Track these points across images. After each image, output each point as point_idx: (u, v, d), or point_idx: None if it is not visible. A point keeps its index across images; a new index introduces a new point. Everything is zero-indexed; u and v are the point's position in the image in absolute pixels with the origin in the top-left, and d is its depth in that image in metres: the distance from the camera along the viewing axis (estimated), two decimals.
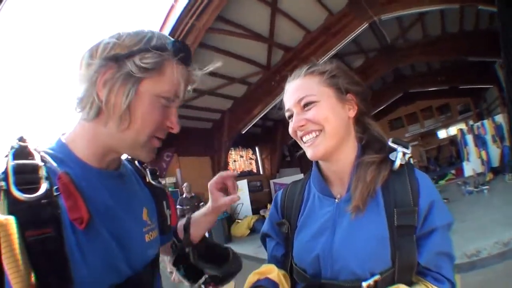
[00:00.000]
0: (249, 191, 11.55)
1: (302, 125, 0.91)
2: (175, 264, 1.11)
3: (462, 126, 13.26)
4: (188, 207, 7.34)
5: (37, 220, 0.61)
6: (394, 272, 0.81)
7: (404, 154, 0.89)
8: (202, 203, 7.01)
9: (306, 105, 0.92)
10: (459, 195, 8.28)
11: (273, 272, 0.96)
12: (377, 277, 0.80)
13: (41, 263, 0.59)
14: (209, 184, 1.11)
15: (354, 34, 9.19)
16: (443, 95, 17.09)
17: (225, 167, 12.37)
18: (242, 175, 13.62)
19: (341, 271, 0.86)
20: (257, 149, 15.33)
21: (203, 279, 1.10)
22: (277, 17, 8.52)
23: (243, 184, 11.42)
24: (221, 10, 7.22)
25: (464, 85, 15.26)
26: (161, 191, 1.03)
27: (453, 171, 12.52)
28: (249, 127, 11.93)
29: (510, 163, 8.54)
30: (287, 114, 0.99)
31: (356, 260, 0.84)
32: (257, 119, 11.71)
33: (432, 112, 18.94)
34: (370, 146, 0.97)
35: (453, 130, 17.15)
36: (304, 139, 0.93)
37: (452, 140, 16.33)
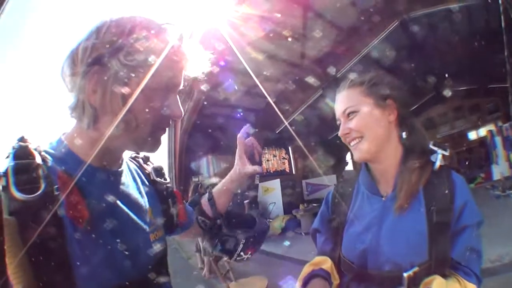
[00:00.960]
0: (281, 190, 11.46)
1: (347, 133, 1.06)
2: (211, 240, 1.14)
3: (492, 127, 12.42)
4: None
5: (37, 220, 0.60)
6: (430, 264, 0.90)
7: (443, 156, 0.98)
8: None
9: (349, 114, 1.06)
10: (486, 199, 7.92)
11: (327, 263, 1.08)
12: (416, 269, 0.89)
13: (42, 263, 0.59)
14: (238, 148, 1.14)
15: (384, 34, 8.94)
16: (473, 95, 15.97)
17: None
18: (275, 174, 13.61)
19: (385, 263, 0.96)
20: (290, 148, 15.24)
21: (240, 245, 1.12)
22: None
23: (276, 184, 11.37)
24: None
25: (495, 83, 14.13)
26: (167, 188, 1.03)
27: (482, 174, 11.77)
28: (283, 126, 11.88)
29: None
30: (338, 122, 1.11)
31: (399, 253, 0.94)
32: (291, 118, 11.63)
33: (463, 112, 17.83)
34: (414, 148, 1.06)
35: (483, 132, 16.07)
36: (350, 144, 1.07)
37: (482, 141, 15.29)
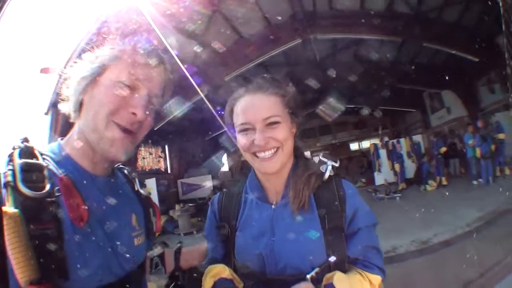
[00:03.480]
0: (157, 189, 10.97)
1: (266, 143, 1.00)
2: (169, 283, 1.26)
3: (376, 141, 15.34)
4: None
5: (40, 216, 0.66)
6: (330, 264, 0.99)
7: (332, 167, 1.09)
8: None
9: (270, 124, 1.01)
10: (369, 200, 9.45)
11: (225, 271, 1.08)
12: (317, 269, 0.95)
13: (41, 256, 0.64)
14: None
15: (285, 47, 9.62)
16: (359, 114, 18.63)
17: (135, 162, 11.63)
18: (150, 173, 13.03)
19: (286, 267, 1.00)
20: (166, 147, 14.72)
21: None
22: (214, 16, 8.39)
23: (151, 183, 10.83)
24: None
25: (389, 107, 17.26)
26: (147, 199, 1.11)
27: (363, 180, 14.11)
28: (162, 123, 11.37)
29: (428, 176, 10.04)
30: (241, 126, 1.04)
31: (298, 257, 0.99)
32: (171, 116, 11.25)
33: (346, 126, 20.86)
34: (300, 159, 1.14)
35: (366, 144, 19.20)
36: (260, 154, 1.02)
37: (363, 152, 18.47)
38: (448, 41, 9.87)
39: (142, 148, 13.10)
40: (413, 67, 12.52)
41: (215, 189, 13.19)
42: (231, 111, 1.09)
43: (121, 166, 1.12)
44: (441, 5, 9.32)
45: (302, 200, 1.01)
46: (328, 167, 1.07)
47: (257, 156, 1.03)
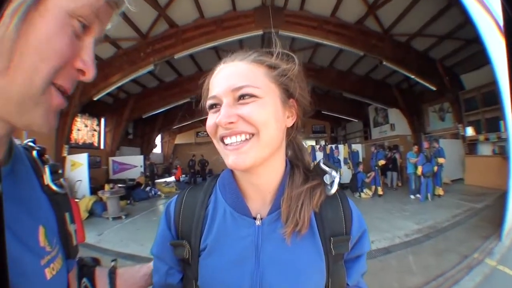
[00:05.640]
0: (89, 167, 10.01)
1: (232, 122, 0.69)
2: None
3: (313, 143, 15.66)
4: None
5: None
6: None
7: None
8: None
9: (242, 96, 0.71)
10: None
11: None
12: None
13: None
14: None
15: (244, 36, 9.46)
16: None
17: (69, 134, 10.53)
18: (83, 147, 11.92)
19: None
20: (102, 120, 13.53)
21: None
22: None
23: (83, 158, 9.87)
24: None
25: (332, 113, 18.37)
26: (64, 198, 0.72)
27: None
28: (103, 94, 10.47)
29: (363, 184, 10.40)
30: (210, 102, 0.75)
31: (295, 287, 0.76)
32: (114, 87, 10.48)
33: None
34: (297, 164, 0.86)
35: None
36: (227, 140, 0.72)
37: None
38: (409, 65, 10.55)
39: (79, 119, 11.90)
40: (366, 81, 13.37)
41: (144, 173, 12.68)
42: (207, 88, 0.79)
43: (28, 142, 0.73)
44: (414, 34, 10.01)
45: (301, 220, 0.75)
46: (335, 180, 0.80)
47: (224, 143, 0.72)
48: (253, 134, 0.70)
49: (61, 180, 0.72)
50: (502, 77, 5.24)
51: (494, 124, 9.88)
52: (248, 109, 0.69)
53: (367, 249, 0.86)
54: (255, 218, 0.79)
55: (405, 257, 4.84)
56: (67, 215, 0.71)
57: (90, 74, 0.54)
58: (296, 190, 0.78)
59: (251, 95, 0.70)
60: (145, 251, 4.21)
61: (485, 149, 10.60)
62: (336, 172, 0.81)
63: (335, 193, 0.81)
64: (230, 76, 0.73)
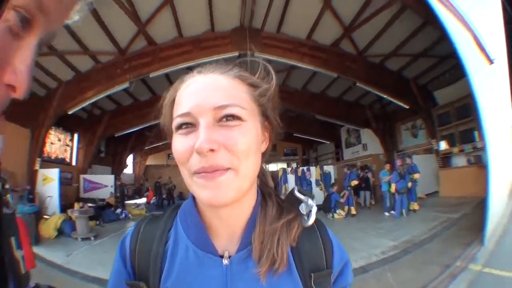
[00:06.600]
0: (60, 182, 9.70)
1: (213, 150, 0.55)
2: None
3: (284, 165, 15.69)
4: None
5: None
6: None
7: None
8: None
9: (226, 117, 0.58)
10: None
11: None
12: None
13: None
14: None
15: (220, 57, 9.51)
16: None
17: (42, 147, 10.23)
18: (55, 161, 11.53)
19: None
20: (76, 136, 13.18)
21: None
22: (164, 8, 8.12)
23: (55, 174, 9.61)
24: None
25: (304, 135, 18.36)
26: (10, 219, 0.66)
27: None
28: (78, 108, 10.28)
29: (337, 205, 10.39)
30: (179, 121, 0.60)
31: None
32: (90, 102, 10.31)
33: None
34: (269, 192, 0.77)
35: (273, 167, 19.79)
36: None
37: (271, 176, 19.59)
38: (383, 85, 10.89)
39: (53, 132, 11.52)
40: (339, 102, 13.71)
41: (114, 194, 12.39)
42: (172, 102, 0.65)
43: None
44: (388, 54, 10.37)
45: (279, 257, 0.65)
46: (313, 209, 0.69)
47: (197, 173, 0.58)
48: (229, 169, 0.58)
49: (8, 196, 0.58)
50: (478, 89, 5.47)
51: (468, 135, 10.34)
52: (233, 135, 0.57)
53: (350, 281, 0.77)
54: (222, 256, 0.68)
55: (382, 274, 4.81)
56: (13, 240, 0.61)
57: (21, 90, 0.37)
58: (270, 225, 0.69)
59: (237, 117, 0.59)
60: None
61: (460, 161, 10.98)
62: (312, 200, 0.71)
63: (313, 224, 0.71)
64: (209, 90, 0.60)
